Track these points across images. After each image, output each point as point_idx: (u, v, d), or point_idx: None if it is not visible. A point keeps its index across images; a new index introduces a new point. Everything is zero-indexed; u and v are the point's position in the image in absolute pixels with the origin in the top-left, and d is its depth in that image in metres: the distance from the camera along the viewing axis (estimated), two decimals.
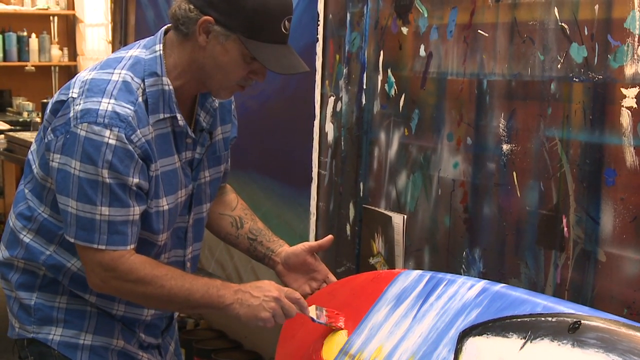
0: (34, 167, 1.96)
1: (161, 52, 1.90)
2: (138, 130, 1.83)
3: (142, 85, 1.87)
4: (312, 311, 1.93)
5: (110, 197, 1.81)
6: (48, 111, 1.90)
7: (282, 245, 2.16)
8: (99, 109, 1.80)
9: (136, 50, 1.93)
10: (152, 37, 1.95)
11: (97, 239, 1.83)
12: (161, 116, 1.88)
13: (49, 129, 1.87)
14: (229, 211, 2.22)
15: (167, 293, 1.86)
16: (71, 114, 1.82)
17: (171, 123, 1.92)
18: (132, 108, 1.83)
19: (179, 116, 1.91)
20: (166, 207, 1.93)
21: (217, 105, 2.05)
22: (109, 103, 1.81)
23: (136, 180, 1.83)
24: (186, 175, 1.99)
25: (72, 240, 1.85)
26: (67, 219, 1.85)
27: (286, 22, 1.85)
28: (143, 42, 1.96)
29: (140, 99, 1.85)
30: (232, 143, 2.18)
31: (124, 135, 1.80)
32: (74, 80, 1.91)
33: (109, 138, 1.79)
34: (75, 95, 1.85)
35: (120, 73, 1.87)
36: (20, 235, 1.99)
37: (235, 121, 2.17)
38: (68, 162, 1.81)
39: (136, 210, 1.85)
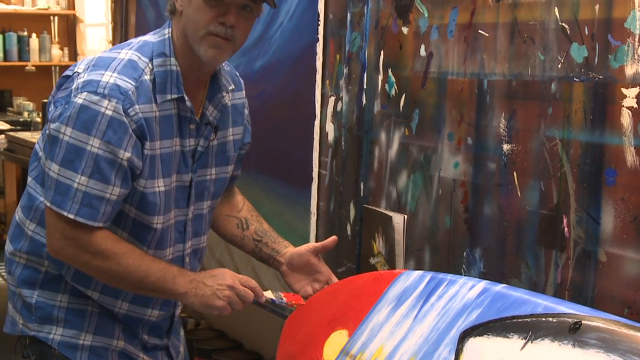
0: (40, 153, 1.97)
1: (170, 35, 1.94)
2: (136, 105, 1.84)
3: (149, 64, 1.90)
4: (270, 294, 1.97)
5: (93, 168, 1.81)
6: (55, 87, 1.94)
7: (287, 246, 2.17)
8: (100, 80, 1.83)
9: (145, 37, 1.98)
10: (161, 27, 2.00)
11: (68, 207, 1.82)
12: (168, 97, 1.90)
13: (52, 102, 1.90)
14: (235, 213, 2.23)
15: (122, 271, 1.86)
16: (73, 86, 1.85)
17: (176, 106, 1.93)
18: (133, 84, 1.85)
19: (186, 97, 1.92)
20: (162, 189, 1.94)
21: (225, 102, 2.06)
22: (111, 76, 1.84)
23: (128, 154, 1.83)
24: (185, 163, 1.99)
25: (48, 204, 1.85)
26: (47, 182, 1.85)
27: None
28: (151, 32, 2.01)
29: (145, 77, 1.88)
30: (246, 149, 2.18)
31: (121, 107, 1.82)
32: (81, 59, 1.95)
33: (106, 108, 1.81)
34: (80, 70, 1.89)
35: (127, 52, 1.91)
36: (24, 227, 2.00)
37: (249, 127, 2.18)
38: (60, 128, 1.82)
39: (115, 190, 1.84)
